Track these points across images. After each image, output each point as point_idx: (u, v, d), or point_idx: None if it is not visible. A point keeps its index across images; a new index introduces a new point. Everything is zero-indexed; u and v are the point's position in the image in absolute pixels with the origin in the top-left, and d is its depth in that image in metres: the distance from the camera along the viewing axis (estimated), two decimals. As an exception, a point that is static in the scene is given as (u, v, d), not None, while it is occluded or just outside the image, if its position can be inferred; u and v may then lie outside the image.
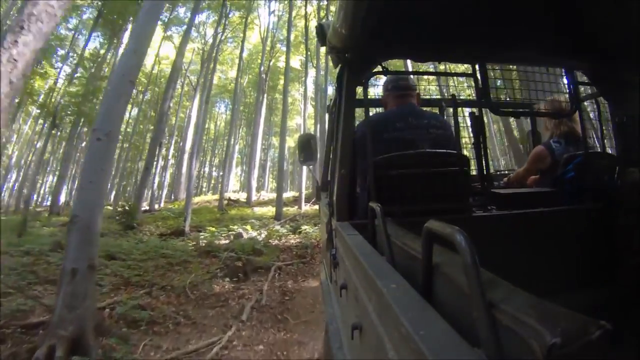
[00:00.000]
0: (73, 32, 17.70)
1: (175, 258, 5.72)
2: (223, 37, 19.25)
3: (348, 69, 1.42)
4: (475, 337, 0.39)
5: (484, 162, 1.51)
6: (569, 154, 1.65)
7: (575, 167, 1.59)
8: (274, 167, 33.54)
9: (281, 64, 21.32)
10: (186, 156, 17.23)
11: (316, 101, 17.47)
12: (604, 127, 1.67)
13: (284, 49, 20.46)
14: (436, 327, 0.42)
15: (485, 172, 1.52)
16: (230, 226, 9.26)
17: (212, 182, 35.73)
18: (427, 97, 2.27)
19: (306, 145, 2.08)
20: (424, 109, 1.84)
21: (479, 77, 1.55)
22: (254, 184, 20.42)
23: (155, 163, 19.44)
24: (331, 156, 1.76)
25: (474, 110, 1.62)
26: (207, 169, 36.27)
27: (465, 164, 1.39)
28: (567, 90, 1.70)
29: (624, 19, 1.29)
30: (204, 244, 6.90)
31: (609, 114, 1.62)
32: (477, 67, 1.54)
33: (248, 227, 9.13)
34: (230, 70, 25.53)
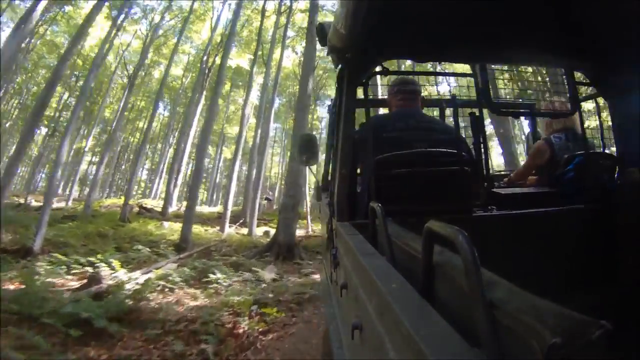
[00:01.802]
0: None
1: None
2: (167, 21, 16.62)
3: (348, 69, 1.42)
4: (475, 337, 0.39)
5: (484, 162, 1.51)
6: (569, 155, 1.65)
7: (576, 167, 1.59)
8: (208, 177, 31.23)
9: (229, 62, 18.36)
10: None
11: (260, 106, 14.52)
12: (604, 127, 1.67)
13: (234, 46, 17.38)
14: (436, 327, 0.42)
15: (485, 172, 1.52)
16: (93, 257, 5.16)
17: (147, 185, 31.52)
18: (427, 97, 2.27)
19: (307, 145, 2.08)
20: (428, 113, 1.85)
21: (479, 77, 1.55)
22: (176, 192, 17.79)
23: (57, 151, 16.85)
24: (331, 156, 1.76)
25: (474, 110, 1.62)
26: (141, 173, 32.69)
27: (465, 164, 1.39)
28: (567, 91, 1.70)
29: (624, 19, 1.29)
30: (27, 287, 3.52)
31: (609, 114, 1.62)
32: (477, 67, 1.54)
33: (116, 263, 4.86)
34: (175, 67, 22.76)
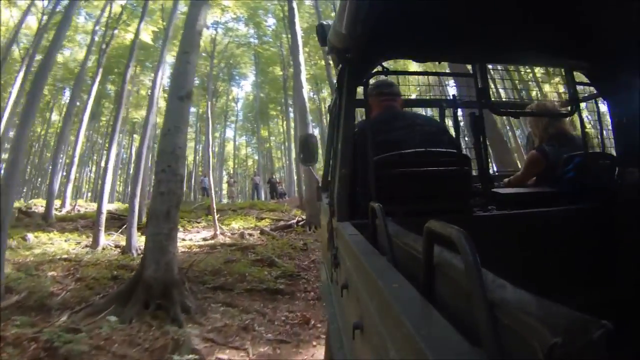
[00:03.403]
0: None
1: None
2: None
3: (348, 69, 1.42)
4: (476, 337, 0.39)
5: (484, 162, 1.52)
6: (568, 154, 1.65)
7: (575, 167, 1.59)
8: (123, 170, 27.46)
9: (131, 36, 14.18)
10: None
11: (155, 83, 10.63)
12: (603, 128, 1.67)
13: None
14: (437, 327, 0.42)
15: (485, 172, 1.52)
16: None
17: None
18: (427, 97, 2.27)
19: (306, 145, 2.09)
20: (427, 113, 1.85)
21: (479, 77, 1.56)
22: (69, 188, 14.11)
23: None
24: (331, 156, 1.76)
25: (474, 110, 1.62)
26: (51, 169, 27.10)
27: (466, 164, 1.40)
28: (567, 91, 1.70)
29: (624, 19, 1.29)
30: None
31: (609, 114, 1.63)
32: (477, 67, 1.54)
33: None
34: (79, 50, 18.54)
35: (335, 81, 1.74)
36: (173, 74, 5.37)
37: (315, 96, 26.02)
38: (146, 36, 14.20)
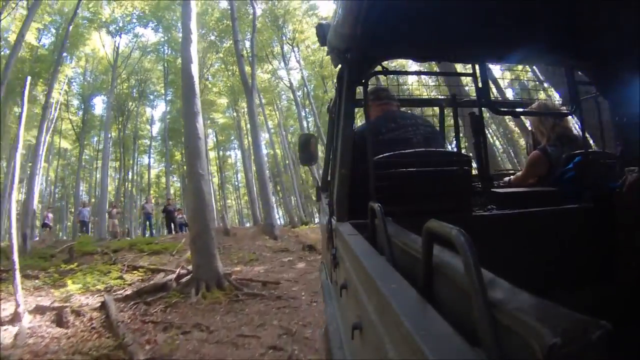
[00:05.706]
0: None
1: None
2: None
3: (348, 69, 1.42)
4: (475, 337, 0.39)
5: (484, 161, 1.52)
6: (568, 154, 1.65)
7: (576, 166, 1.59)
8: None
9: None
10: None
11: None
12: (603, 127, 1.67)
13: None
14: (436, 327, 0.42)
15: (485, 172, 1.52)
16: None
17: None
18: (427, 97, 2.27)
19: (306, 145, 2.09)
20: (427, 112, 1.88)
21: (479, 77, 1.55)
22: None
23: None
24: (331, 156, 1.76)
25: (474, 110, 1.62)
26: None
27: (465, 164, 1.40)
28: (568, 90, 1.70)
29: (624, 19, 1.29)
30: None
31: (609, 114, 1.62)
32: (477, 67, 1.54)
33: None
34: None
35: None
36: None
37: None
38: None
